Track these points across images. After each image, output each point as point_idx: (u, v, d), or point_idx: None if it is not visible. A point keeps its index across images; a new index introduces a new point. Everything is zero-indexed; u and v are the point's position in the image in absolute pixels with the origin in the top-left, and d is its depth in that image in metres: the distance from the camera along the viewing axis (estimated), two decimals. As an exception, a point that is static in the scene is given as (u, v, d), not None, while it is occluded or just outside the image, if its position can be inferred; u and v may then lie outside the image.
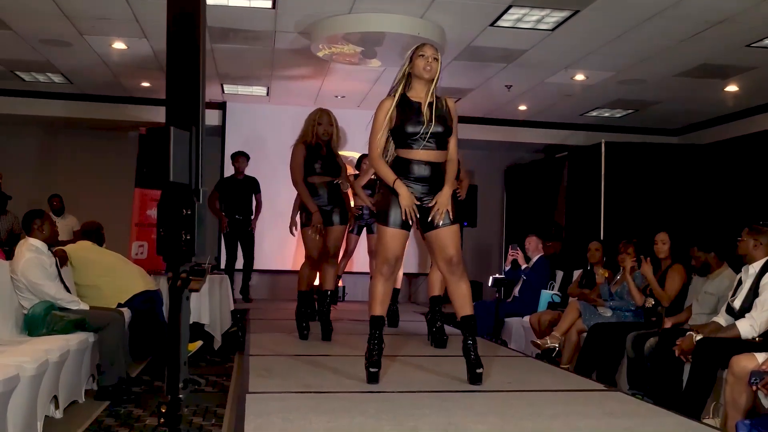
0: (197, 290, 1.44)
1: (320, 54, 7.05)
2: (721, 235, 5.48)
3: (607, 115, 10.02)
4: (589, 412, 3.13)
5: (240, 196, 8.61)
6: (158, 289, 6.44)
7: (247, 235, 8.64)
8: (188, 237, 1.34)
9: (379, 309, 3.63)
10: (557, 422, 2.87)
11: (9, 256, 5.88)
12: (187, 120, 1.34)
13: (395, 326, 5.84)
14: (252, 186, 8.71)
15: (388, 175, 3.62)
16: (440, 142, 3.65)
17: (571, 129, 10.64)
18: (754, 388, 3.67)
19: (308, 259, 5.22)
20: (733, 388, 3.80)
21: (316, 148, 5.15)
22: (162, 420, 1.40)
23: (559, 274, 7.61)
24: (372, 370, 3.53)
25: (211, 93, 9.56)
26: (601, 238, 8.41)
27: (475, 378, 3.54)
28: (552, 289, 7.34)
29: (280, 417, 2.81)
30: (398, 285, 6.25)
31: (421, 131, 3.59)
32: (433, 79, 3.66)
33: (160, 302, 6.36)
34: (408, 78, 3.69)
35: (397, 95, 3.66)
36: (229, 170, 9.86)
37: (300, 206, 5.33)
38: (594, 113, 9.95)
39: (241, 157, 8.70)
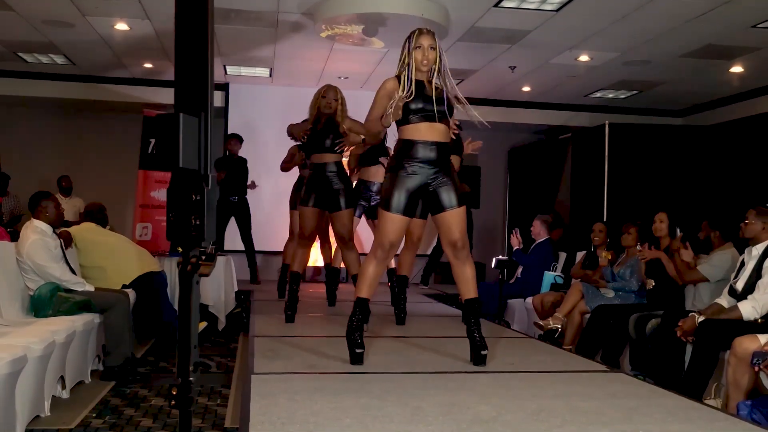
0: (207, 275, 1.46)
1: (323, 35, 7.02)
2: (726, 217, 5.48)
3: (611, 96, 9.98)
4: (592, 392, 3.15)
5: (234, 177, 8.39)
6: (162, 270, 6.47)
7: (243, 217, 8.43)
8: (198, 222, 1.36)
9: (366, 291, 3.62)
10: (559, 402, 2.89)
11: (14, 237, 5.91)
12: (196, 106, 1.35)
13: (402, 323, 5.09)
14: (244, 166, 8.55)
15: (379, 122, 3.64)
16: (444, 121, 3.65)
17: (575, 110, 10.61)
18: (757, 368, 3.70)
19: (301, 237, 5.21)
20: (735, 369, 3.83)
21: (322, 124, 5.13)
22: (173, 402, 1.42)
23: (562, 256, 7.63)
24: (358, 351, 3.53)
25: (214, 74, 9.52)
26: (605, 219, 8.41)
27: (479, 359, 3.57)
28: (555, 271, 7.35)
29: (286, 397, 2.83)
30: (406, 272, 5.33)
31: (424, 107, 3.60)
32: (432, 68, 3.67)
33: (164, 283, 6.40)
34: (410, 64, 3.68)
35: (403, 79, 3.65)
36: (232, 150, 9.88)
37: (298, 184, 5.28)
38: (598, 94, 9.90)
39: (234, 140, 8.58)
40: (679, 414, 2.81)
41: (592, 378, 3.57)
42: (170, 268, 6.97)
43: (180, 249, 1.41)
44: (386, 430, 2.47)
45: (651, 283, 5.62)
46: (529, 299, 6.91)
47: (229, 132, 9.97)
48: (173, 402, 1.45)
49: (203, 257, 1.39)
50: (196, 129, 1.35)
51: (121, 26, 7.34)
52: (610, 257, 6.15)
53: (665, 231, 5.63)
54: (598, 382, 3.44)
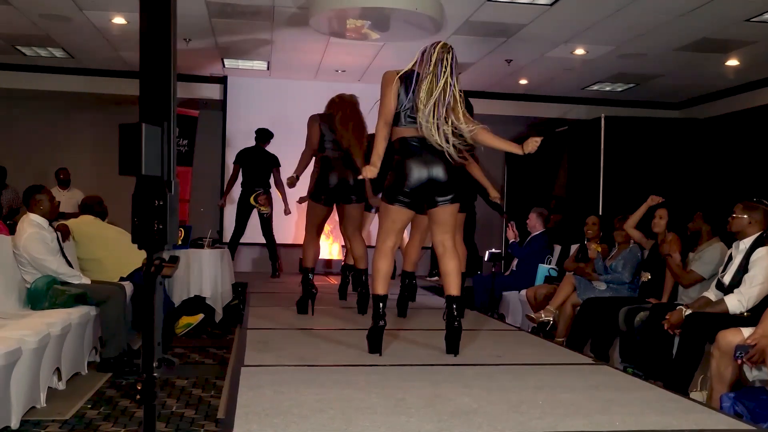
0: (169, 276, 1.52)
1: (319, 29, 7.05)
2: (721, 210, 5.49)
3: (608, 89, 10.01)
4: (574, 384, 3.21)
5: (262, 170, 8.55)
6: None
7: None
8: (161, 226, 1.42)
9: (381, 287, 3.74)
10: (541, 394, 2.96)
11: (12, 230, 5.98)
12: (159, 117, 1.41)
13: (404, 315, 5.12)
14: (272, 161, 8.63)
15: None
16: None
17: (572, 103, 10.64)
18: (739, 361, 3.75)
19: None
20: (719, 362, 3.88)
21: None
22: (138, 397, 1.48)
23: (557, 249, 7.68)
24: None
25: (212, 67, 9.58)
26: (600, 212, 8.46)
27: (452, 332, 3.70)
28: (549, 264, 7.41)
29: (272, 389, 2.90)
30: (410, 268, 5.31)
31: None
32: None
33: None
34: None
35: None
36: (231, 143, 9.95)
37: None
38: (595, 87, 9.93)
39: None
40: (656, 405, 2.87)
41: (578, 370, 3.62)
42: (168, 261, 7.02)
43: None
44: (368, 420, 2.53)
45: (647, 276, 5.66)
46: (524, 292, 6.96)
47: (228, 125, 10.07)
48: (138, 396, 1.52)
49: (166, 259, 1.45)
50: (159, 138, 1.42)
51: (119, 20, 7.39)
52: (599, 250, 6.18)
53: (663, 227, 5.62)
54: (583, 375, 3.49)
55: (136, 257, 5.50)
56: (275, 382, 3.03)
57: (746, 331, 3.83)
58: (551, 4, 6.51)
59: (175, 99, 1.45)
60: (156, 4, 1.45)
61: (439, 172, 3.71)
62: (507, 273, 7.99)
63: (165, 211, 1.43)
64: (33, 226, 5.07)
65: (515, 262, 7.77)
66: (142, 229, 1.44)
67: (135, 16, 7.19)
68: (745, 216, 4.49)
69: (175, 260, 1.47)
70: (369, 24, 6.86)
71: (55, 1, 6.79)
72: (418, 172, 3.71)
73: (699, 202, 7.78)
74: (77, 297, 4.96)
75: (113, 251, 6.12)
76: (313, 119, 5.28)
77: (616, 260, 6.05)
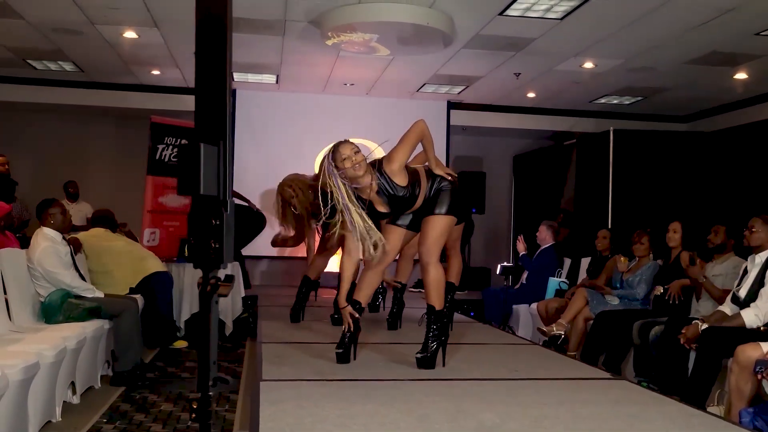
0: (225, 295, 1.52)
1: (329, 43, 7.08)
2: (731, 224, 5.47)
3: (616, 102, 10.03)
4: (595, 399, 3.20)
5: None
6: (167, 271, 6.58)
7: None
8: (217, 245, 1.43)
9: (362, 296, 3.83)
10: (563, 409, 2.94)
11: (23, 243, 5.99)
12: (215, 136, 1.42)
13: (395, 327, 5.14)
14: None
15: None
16: None
17: (580, 116, 10.66)
18: (759, 376, 3.73)
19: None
20: (738, 377, 3.86)
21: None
22: (193, 415, 1.49)
23: (567, 262, 7.67)
24: (338, 351, 3.71)
25: (221, 81, 9.61)
26: (609, 226, 8.45)
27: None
28: (560, 277, 7.40)
29: (294, 404, 2.88)
30: (404, 279, 5.28)
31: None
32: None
33: (170, 283, 6.51)
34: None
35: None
36: (239, 156, 9.97)
37: None
38: (603, 100, 9.95)
39: None
40: (680, 421, 2.85)
41: (596, 385, 3.60)
42: (178, 274, 7.07)
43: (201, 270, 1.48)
44: (393, 437, 2.53)
45: (660, 290, 5.62)
46: (534, 305, 6.95)
47: (237, 138, 10.09)
48: (193, 415, 1.52)
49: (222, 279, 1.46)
50: (216, 157, 1.43)
51: (130, 34, 7.42)
52: (626, 261, 6.12)
53: (678, 241, 5.59)
54: (602, 389, 3.48)
55: (146, 265, 5.56)
56: (296, 396, 3.02)
57: (765, 346, 3.82)
58: (561, 19, 6.53)
59: (230, 117, 1.46)
60: (212, 20, 1.45)
61: None
62: (517, 286, 7.97)
63: (221, 230, 1.44)
64: (47, 239, 5.09)
65: (525, 275, 7.76)
66: (199, 249, 1.44)
67: (146, 30, 7.29)
68: (765, 230, 4.48)
69: (230, 279, 1.48)
70: (379, 38, 6.90)
71: (68, 16, 6.83)
72: None
73: (707, 215, 7.78)
74: (91, 311, 4.97)
75: (123, 262, 6.16)
76: None
77: (634, 275, 5.98)
